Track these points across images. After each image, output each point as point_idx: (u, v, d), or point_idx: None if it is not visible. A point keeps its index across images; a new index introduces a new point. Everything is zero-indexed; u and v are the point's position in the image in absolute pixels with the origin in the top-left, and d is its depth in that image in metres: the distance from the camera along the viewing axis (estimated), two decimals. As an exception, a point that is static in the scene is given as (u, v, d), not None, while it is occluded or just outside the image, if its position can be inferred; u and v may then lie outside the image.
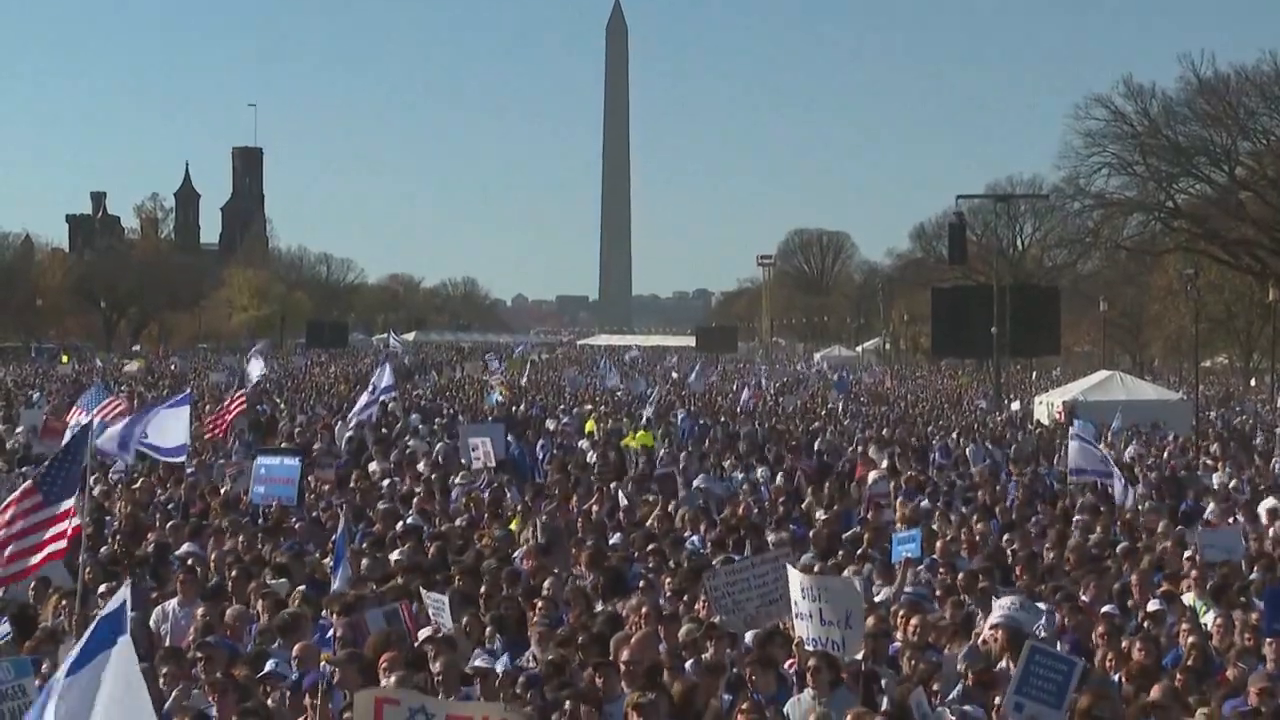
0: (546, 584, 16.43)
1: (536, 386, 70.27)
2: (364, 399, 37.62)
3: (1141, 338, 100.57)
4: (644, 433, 39.52)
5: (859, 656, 12.64)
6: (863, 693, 12.16)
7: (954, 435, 44.19)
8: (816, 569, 16.59)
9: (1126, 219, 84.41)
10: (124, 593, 7.80)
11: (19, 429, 37.76)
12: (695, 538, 21.14)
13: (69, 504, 14.17)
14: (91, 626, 7.73)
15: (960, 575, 17.68)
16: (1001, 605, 14.20)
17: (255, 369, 58.63)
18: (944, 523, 22.64)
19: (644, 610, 14.87)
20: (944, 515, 23.58)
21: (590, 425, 42.89)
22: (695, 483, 27.48)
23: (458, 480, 27.51)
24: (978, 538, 21.30)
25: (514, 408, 52.17)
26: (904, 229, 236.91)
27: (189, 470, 27.09)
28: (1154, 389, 62.07)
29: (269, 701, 11.83)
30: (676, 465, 30.65)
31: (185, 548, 19.31)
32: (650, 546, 19.46)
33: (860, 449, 36.28)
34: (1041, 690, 10.87)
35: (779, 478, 29.88)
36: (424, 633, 13.72)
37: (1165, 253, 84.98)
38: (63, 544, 13.83)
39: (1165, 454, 38.66)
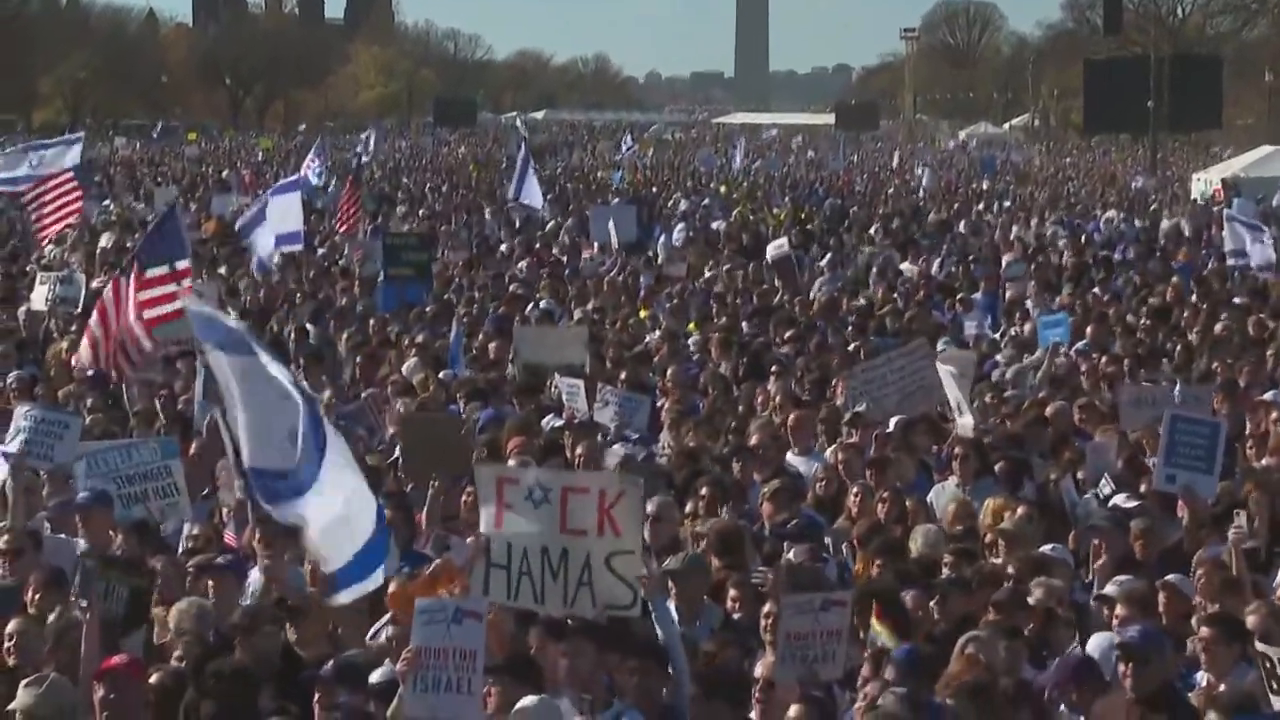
0: (671, 371, 16.14)
1: (670, 167, 69.36)
2: (528, 182, 35.78)
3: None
4: (778, 211, 38.96)
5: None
6: (1010, 481, 11.87)
7: (1109, 215, 42.76)
8: None
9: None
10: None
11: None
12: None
13: (183, 263, 14.03)
14: None
15: (1104, 360, 17.07)
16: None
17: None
18: (1095, 305, 21.83)
19: (779, 396, 14.59)
20: (1094, 299, 22.79)
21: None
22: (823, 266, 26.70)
23: (587, 259, 27.13)
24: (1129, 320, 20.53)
25: (646, 189, 51.59)
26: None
27: (319, 253, 26.99)
28: (1323, 163, 59.59)
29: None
30: (805, 250, 29.73)
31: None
32: (789, 332, 19.05)
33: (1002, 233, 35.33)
34: (1190, 458, 10.82)
35: (922, 262, 28.97)
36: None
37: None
38: (177, 304, 13.26)
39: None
